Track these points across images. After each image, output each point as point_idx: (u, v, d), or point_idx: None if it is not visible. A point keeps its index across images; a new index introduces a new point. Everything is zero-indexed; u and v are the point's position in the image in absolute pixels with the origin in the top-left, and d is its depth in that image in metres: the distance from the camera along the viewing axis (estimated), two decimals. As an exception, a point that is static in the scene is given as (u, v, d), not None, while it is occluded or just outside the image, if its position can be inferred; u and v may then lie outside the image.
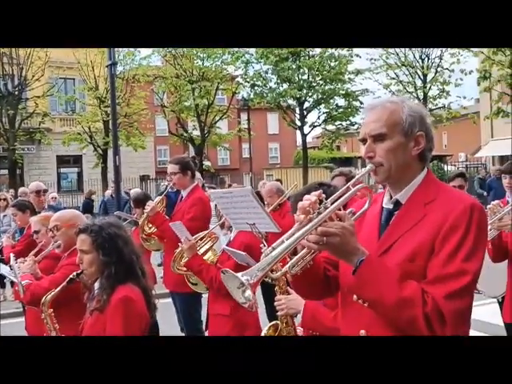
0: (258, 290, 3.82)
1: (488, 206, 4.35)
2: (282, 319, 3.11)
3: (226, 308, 4.23)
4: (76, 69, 28.42)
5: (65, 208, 11.55)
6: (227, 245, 4.45)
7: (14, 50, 26.11)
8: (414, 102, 2.27)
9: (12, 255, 4.69)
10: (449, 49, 25.80)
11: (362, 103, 29.50)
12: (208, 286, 4.59)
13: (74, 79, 31.62)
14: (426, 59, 28.49)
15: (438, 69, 28.26)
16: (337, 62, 28.55)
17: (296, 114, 29.98)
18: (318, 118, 29.90)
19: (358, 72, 29.28)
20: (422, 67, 28.34)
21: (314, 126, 30.13)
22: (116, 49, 17.39)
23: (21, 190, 11.25)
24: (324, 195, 1.98)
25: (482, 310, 5.95)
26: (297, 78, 28.68)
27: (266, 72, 29.36)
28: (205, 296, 5.15)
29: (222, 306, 4.26)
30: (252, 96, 29.94)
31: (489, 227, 4.00)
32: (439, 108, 28.65)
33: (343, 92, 29.17)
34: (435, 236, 1.98)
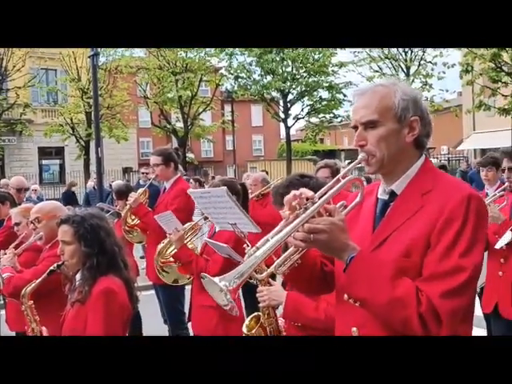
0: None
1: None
2: (263, 310, 3.11)
3: (210, 299, 4.20)
4: (58, 59, 28.10)
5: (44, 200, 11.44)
6: (212, 237, 4.43)
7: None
8: (407, 85, 2.12)
9: (-9, 248, 4.64)
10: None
11: (345, 96, 29.58)
12: (197, 277, 4.55)
13: (55, 70, 31.30)
14: (409, 52, 28.60)
15: (421, 62, 28.40)
16: (320, 55, 28.54)
17: (280, 107, 29.98)
18: (302, 110, 29.95)
19: (341, 64, 29.32)
20: (405, 60, 28.46)
21: (298, 119, 30.18)
22: (98, 39, 17.16)
23: (2, 181, 11.11)
24: (306, 189, 1.86)
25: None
26: (280, 70, 28.64)
27: (250, 64, 29.30)
28: (188, 288, 5.14)
29: (208, 296, 4.23)
30: (236, 88, 29.86)
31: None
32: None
33: (327, 84, 29.20)
34: (431, 229, 1.85)
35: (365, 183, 2.11)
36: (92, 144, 23.11)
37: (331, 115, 30.13)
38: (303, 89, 28.85)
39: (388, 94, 2.00)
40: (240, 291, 4.82)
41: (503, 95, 22.35)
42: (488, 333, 4.83)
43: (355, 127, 2.03)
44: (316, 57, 28.68)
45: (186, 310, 5.17)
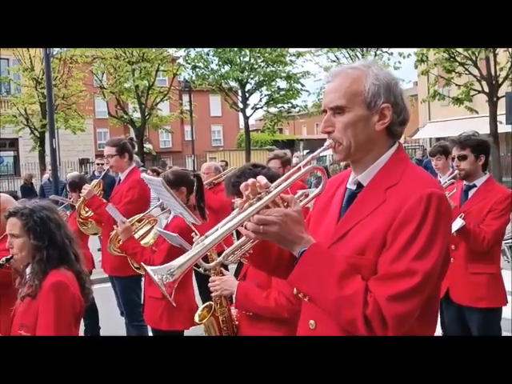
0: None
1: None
2: (216, 300, 3.13)
3: (158, 291, 4.20)
4: (10, 48, 27.37)
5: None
6: (165, 227, 4.43)
7: None
8: (382, 68, 1.94)
9: None
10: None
11: (303, 86, 29.75)
12: (142, 269, 4.56)
13: (8, 59, 30.42)
14: (366, 42, 28.90)
15: (377, 52, 28.73)
16: (278, 44, 28.58)
17: (238, 97, 29.93)
18: (260, 100, 29.94)
19: (299, 54, 29.39)
20: (362, 50, 28.73)
21: (256, 109, 30.17)
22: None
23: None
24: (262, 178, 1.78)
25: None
26: (238, 60, 28.56)
27: (208, 54, 29.07)
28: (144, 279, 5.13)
29: (155, 288, 4.23)
30: (194, 78, 29.66)
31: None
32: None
33: (285, 74, 29.27)
34: (388, 228, 1.76)
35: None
36: (47, 135, 22.70)
37: (289, 105, 30.26)
38: (261, 79, 28.84)
39: (359, 78, 1.87)
40: (194, 281, 4.85)
41: (457, 85, 22.79)
42: (440, 316, 4.95)
43: (324, 111, 1.92)
44: (274, 46, 28.74)
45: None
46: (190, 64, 29.51)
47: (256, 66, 28.79)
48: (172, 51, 29.96)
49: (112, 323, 6.23)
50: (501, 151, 24.45)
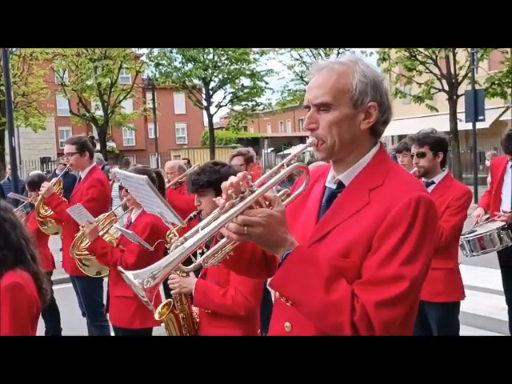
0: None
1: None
2: (175, 297, 3.11)
3: (126, 290, 4.15)
4: (-33, 45, 26.75)
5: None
6: (128, 226, 4.37)
7: None
8: (368, 65, 1.86)
9: None
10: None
11: (267, 83, 29.88)
12: (112, 268, 4.48)
13: (-35, 56, 29.76)
14: (329, 41, 29.09)
15: (340, 50, 28.97)
16: (242, 42, 28.60)
17: (202, 94, 29.87)
18: (224, 98, 29.98)
19: (262, 52, 29.52)
20: (325, 48, 28.95)
21: (221, 106, 30.19)
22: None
23: None
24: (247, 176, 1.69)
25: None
26: (202, 58, 28.53)
27: (171, 51, 28.98)
28: (106, 279, 5.06)
29: (123, 288, 4.18)
30: (157, 75, 29.48)
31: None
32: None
33: (248, 72, 29.35)
34: (374, 231, 1.70)
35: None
36: (7, 133, 22.22)
37: (253, 103, 30.35)
38: (225, 76, 28.88)
39: (345, 74, 1.78)
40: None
41: (418, 83, 23.20)
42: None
43: (307, 107, 1.83)
44: (237, 44, 28.74)
45: (105, 302, 5.09)
46: (153, 61, 29.39)
47: (220, 64, 28.81)
48: (135, 49, 29.72)
49: (73, 324, 6.14)
50: (461, 148, 24.99)
